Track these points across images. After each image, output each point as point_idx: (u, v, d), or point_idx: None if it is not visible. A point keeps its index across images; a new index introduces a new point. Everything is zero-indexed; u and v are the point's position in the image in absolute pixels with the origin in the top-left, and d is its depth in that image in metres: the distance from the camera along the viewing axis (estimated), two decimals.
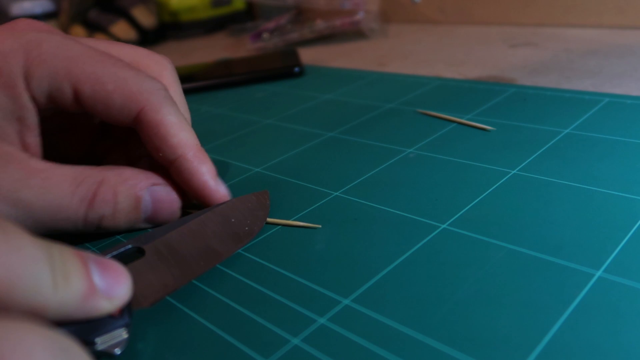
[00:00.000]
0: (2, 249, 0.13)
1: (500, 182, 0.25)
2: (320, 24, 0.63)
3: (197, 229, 0.22)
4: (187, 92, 0.49)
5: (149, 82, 0.24)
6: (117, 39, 0.77)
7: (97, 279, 0.16)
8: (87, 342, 0.16)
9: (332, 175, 0.28)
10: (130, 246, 0.21)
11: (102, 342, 0.16)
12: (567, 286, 0.18)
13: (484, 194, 0.24)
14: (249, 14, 0.90)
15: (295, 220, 0.25)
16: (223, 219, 0.23)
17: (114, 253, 0.20)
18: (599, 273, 0.18)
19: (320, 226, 0.24)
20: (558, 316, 0.17)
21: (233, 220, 0.23)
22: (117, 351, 0.16)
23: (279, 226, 0.24)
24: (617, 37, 0.48)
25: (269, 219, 0.25)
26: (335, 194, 0.26)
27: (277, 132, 0.36)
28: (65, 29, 0.76)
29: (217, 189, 0.24)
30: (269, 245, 0.23)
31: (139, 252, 0.21)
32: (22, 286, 0.13)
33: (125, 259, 0.20)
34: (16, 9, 0.64)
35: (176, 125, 0.24)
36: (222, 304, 0.20)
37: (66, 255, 0.15)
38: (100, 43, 0.26)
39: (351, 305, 0.19)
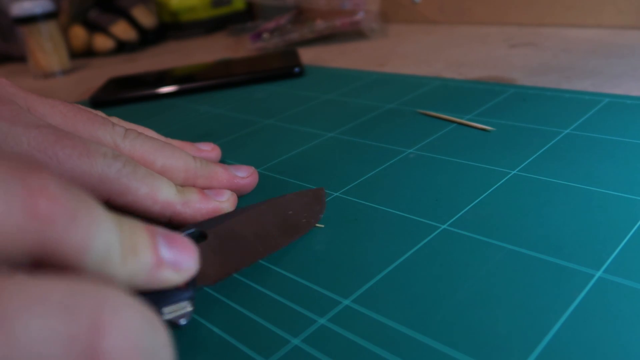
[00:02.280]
0: (83, 217, 0.13)
1: (500, 182, 0.25)
2: (320, 24, 0.63)
3: (256, 218, 0.23)
4: (187, 92, 0.49)
5: (107, 168, 0.22)
6: (117, 39, 0.77)
7: (165, 251, 0.16)
8: (155, 312, 0.16)
9: (332, 175, 0.28)
10: (194, 229, 0.22)
11: (169, 312, 0.17)
12: (567, 286, 0.18)
13: (484, 195, 0.24)
14: (249, 14, 0.90)
15: None
16: (281, 210, 0.24)
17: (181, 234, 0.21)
18: (599, 273, 0.18)
19: (323, 226, 0.24)
20: (558, 316, 0.17)
21: (290, 212, 0.24)
22: (183, 321, 0.17)
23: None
24: (617, 37, 0.48)
25: None
26: (336, 194, 0.26)
27: (277, 133, 0.36)
28: (65, 29, 0.76)
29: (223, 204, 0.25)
30: None
31: (201, 237, 0.21)
32: (94, 256, 0.13)
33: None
34: (16, 9, 0.64)
35: (151, 193, 0.23)
36: (222, 304, 0.20)
37: (136, 229, 0.15)
38: (54, 113, 0.24)
39: (351, 305, 0.19)
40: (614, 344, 0.15)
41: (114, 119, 0.27)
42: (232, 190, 0.26)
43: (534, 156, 0.27)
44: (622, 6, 0.51)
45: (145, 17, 0.79)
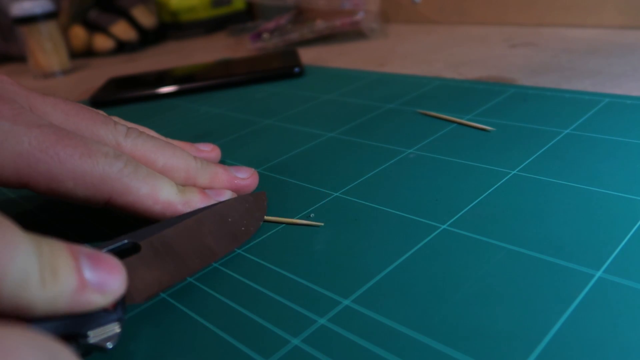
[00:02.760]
0: None
1: (500, 182, 0.25)
2: (320, 24, 0.63)
3: (193, 227, 0.22)
4: (187, 92, 0.49)
5: (109, 168, 0.22)
6: (117, 39, 0.77)
7: (89, 273, 0.15)
8: (79, 335, 0.16)
9: (332, 175, 0.28)
10: (126, 241, 0.21)
11: (95, 335, 0.16)
12: (567, 286, 0.18)
13: (484, 195, 0.24)
14: (249, 14, 0.90)
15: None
16: (220, 218, 0.23)
17: (110, 247, 0.20)
18: (599, 273, 0.18)
19: (322, 224, 0.24)
20: (558, 316, 0.17)
21: (230, 219, 0.23)
22: (109, 345, 0.16)
23: (279, 227, 0.24)
24: (617, 37, 0.48)
25: (271, 218, 0.25)
26: (336, 194, 0.26)
27: (277, 133, 0.36)
28: (65, 29, 0.76)
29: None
30: (269, 246, 0.23)
31: (134, 248, 0.21)
32: (8, 282, 0.13)
33: (120, 254, 0.20)
34: (16, 9, 0.64)
35: (153, 193, 0.23)
36: (222, 304, 0.20)
37: (56, 250, 0.15)
38: (56, 112, 0.24)
39: (351, 305, 0.19)
40: (614, 344, 0.15)
41: (115, 119, 0.27)
42: (232, 191, 0.26)
43: (534, 156, 0.27)
44: (622, 6, 0.51)
45: (145, 17, 0.79)
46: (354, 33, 0.66)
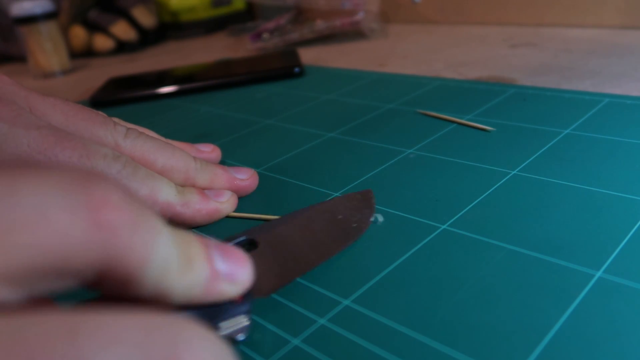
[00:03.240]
0: (145, 228, 0.13)
1: (500, 182, 0.25)
2: (320, 24, 0.63)
3: (306, 224, 0.23)
4: (187, 92, 0.49)
5: (107, 169, 0.22)
6: (117, 39, 0.77)
7: (220, 263, 0.16)
8: (212, 327, 0.16)
9: (332, 175, 0.28)
10: (244, 238, 0.21)
11: (226, 327, 0.16)
12: (567, 286, 0.18)
13: (484, 195, 0.24)
14: (249, 14, 0.90)
15: None
16: (330, 215, 0.23)
17: (230, 244, 0.20)
18: (599, 273, 0.18)
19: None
20: (558, 316, 0.17)
21: (340, 217, 0.23)
22: (241, 337, 0.17)
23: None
24: (617, 37, 0.48)
25: (271, 216, 0.25)
26: (336, 194, 0.26)
27: (277, 133, 0.36)
28: (65, 29, 0.76)
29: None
30: None
31: (252, 244, 0.21)
32: (154, 268, 0.13)
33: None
34: (16, 9, 0.64)
35: (152, 194, 0.23)
36: None
37: (190, 241, 0.15)
38: (55, 113, 0.24)
39: (351, 305, 0.19)
40: (614, 344, 0.15)
41: (115, 119, 0.27)
42: (232, 191, 0.26)
43: (534, 156, 0.27)
44: (622, 6, 0.51)
45: (145, 17, 0.79)
46: (354, 33, 0.66)
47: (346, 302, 0.19)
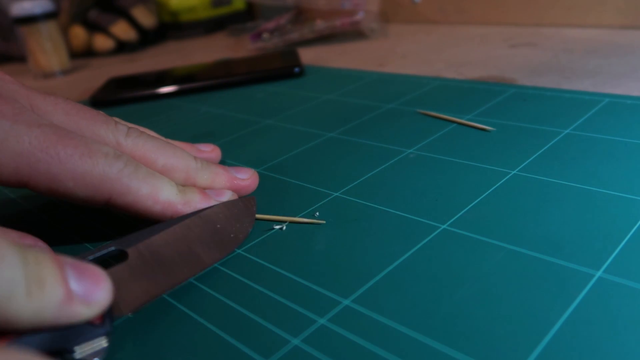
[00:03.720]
0: None
1: (500, 182, 0.25)
2: (320, 24, 0.63)
3: (182, 234, 0.22)
4: (187, 92, 0.49)
5: (108, 168, 0.22)
6: (117, 39, 0.77)
7: (74, 284, 0.15)
8: (66, 351, 0.15)
9: (332, 175, 0.28)
10: (113, 248, 0.20)
11: (81, 350, 0.16)
12: (567, 286, 0.18)
13: (484, 195, 0.24)
14: (249, 14, 0.90)
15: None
16: (209, 224, 0.23)
17: (96, 255, 0.20)
18: (599, 273, 0.18)
19: (324, 222, 0.24)
20: (558, 316, 0.17)
21: (219, 226, 0.23)
22: None
23: (278, 227, 0.24)
24: (617, 37, 0.48)
25: (273, 217, 0.25)
26: (336, 194, 0.26)
27: (277, 133, 0.36)
28: (65, 29, 0.76)
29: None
30: (269, 245, 0.23)
31: (121, 255, 0.20)
32: None
33: (107, 261, 0.20)
34: (16, 9, 0.64)
35: (153, 193, 0.23)
36: (222, 304, 0.20)
37: (42, 261, 0.15)
38: (57, 111, 0.24)
39: (351, 305, 0.19)
40: (614, 344, 0.15)
41: (116, 119, 0.27)
42: (232, 191, 0.26)
43: (534, 156, 0.27)
44: (622, 6, 0.51)
45: (145, 17, 0.79)
46: (354, 33, 0.66)
47: (346, 302, 0.19)
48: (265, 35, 0.65)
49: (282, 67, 0.50)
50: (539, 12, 0.57)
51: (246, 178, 0.27)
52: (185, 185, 0.26)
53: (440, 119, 0.34)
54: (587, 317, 0.16)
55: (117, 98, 0.50)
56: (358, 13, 0.62)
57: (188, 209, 0.24)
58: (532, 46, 0.50)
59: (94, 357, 0.16)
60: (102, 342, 0.16)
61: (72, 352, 0.16)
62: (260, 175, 0.29)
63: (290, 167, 0.30)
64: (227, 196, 0.25)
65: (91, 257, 0.20)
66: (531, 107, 0.34)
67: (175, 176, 0.25)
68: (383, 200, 0.25)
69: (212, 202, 0.25)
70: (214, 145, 0.31)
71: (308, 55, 0.59)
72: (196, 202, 0.24)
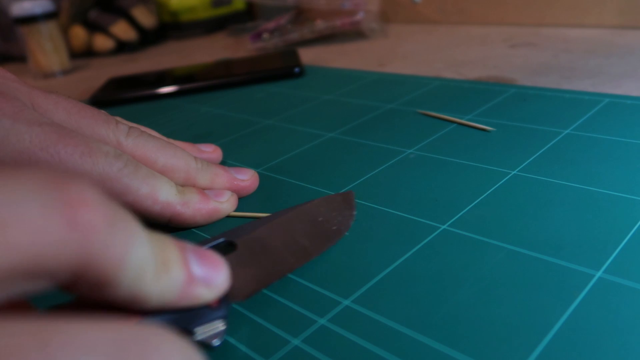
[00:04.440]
0: (121, 229, 0.13)
1: (500, 182, 0.25)
2: (320, 24, 0.63)
3: (286, 226, 0.22)
4: (187, 92, 0.49)
5: (108, 167, 0.22)
6: (117, 39, 0.77)
7: (196, 267, 0.16)
8: (187, 332, 0.16)
9: (332, 175, 0.28)
10: (223, 240, 0.21)
11: (202, 332, 0.16)
12: (567, 286, 0.18)
13: (484, 195, 0.24)
14: (249, 14, 0.90)
15: None
16: (310, 217, 0.23)
17: (209, 245, 0.20)
18: (599, 273, 0.18)
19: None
20: (558, 316, 0.17)
21: (320, 219, 0.23)
22: (216, 342, 0.16)
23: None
24: (617, 37, 0.48)
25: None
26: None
27: (277, 133, 0.36)
28: (65, 29, 0.76)
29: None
30: None
31: (230, 246, 0.21)
32: (130, 271, 0.13)
33: (218, 252, 0.20)
34: (16, 9, 0.64)
35: (152, 193, 0.23)
36: None
37: (167, 244, 0.15)
38: (58, 110, 0.24)
39: (351, 305, 0.19)
40: (614, 344, 0.15)
41: (117, 118, 0.27)
42: (232, 191, 0.26)
43: (534, 156, 0.27)
44: (622, 6, 0.51)
45: (145, 17, 0.79)
46: (354, 33, 0.66)
47: (346, 302, 0.19)
48: (265, 36, 0.65)
49: (282, 67, 0.50)
50: (539, 12, 0.57)
51: (246, 179, 0.27)
52: (185, 185, 0.26)
53: (440, 119, 0.34)
54: (587, 317, 0.16)
55: (117, 98, 0.50)
56: (358, 13, 0.62)
57: (187, 210, 0.24)
58: (532, 46, 0.50)
59: (213, 338, 0.16)
60: (219, 325, 0.17)
61: (194, 333, 0.16)
62: (260, 175, 0.29)
63: (290, 167, 0.30)
64: (226, 197, 0.25)
65: (205, 247, 0.20)
66: (531, 107, 0.34)
67: (176, 176, 0.25)
68: (383, 200, 0.25)
69: (211, 203, 0.25)
70: (215, 145, 0.31)
71: (308, 55, 0.59)
72: (195, 202, 0.24)
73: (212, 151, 0.31)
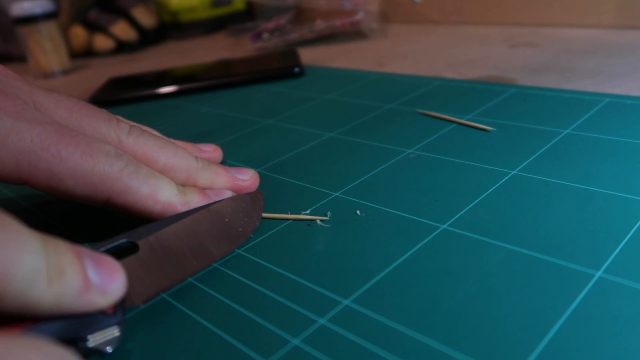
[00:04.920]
0: (6, 243, 0.13)
1: (500, 182, 0.25)
2: (320, 24, 0.63)
3: (191, 227, 0.22)
4: (187, 92, 0.49)
5: (109, 167, 0.22)
6: (117, 39, 0.77)
7: (92, 273, 0.16)
8: (79, 339, 0.16)
9: (332, 175, 0.28)
10: (124, 240, 0.21)
11: (94, 339, 0.16)
12: (567, 286, 0.18)
13: (484, 195, 0.24)
14: (249, 14, 0.90)
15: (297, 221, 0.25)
16: (217, 218, 0.23)
17: (108, 246, 0.20)
18: (599, 273, 0.18)
19: (327, 217, 0.24)
20: (558, 316, 0.17)
21: (227, 220, 0.23)
22: (109, 349, 0.16)
23: (279, 226, 0.24)
24: (617, 37, 0.48)
25: (276, 215, 0.25)
26: (336, 194, 0.26)
27: (277, 133, 0.36)
28: (65, 29, 0.76)
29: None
30: (269, 246, 0.23)
31: (132, 247, 0.21)
32: (19, 280, 0.13)
33: (118, 253, 0.20)
34: (16, 9, 0.64)
35: (153, 193, 0.23)
36: (222, 304, 0.20)
37: (61, 250, 0.15)
38: (59, 108, 0.24)
39: (351, 305, 0.19)
40: (614, 344, 0.15)
41: (118, 117, 0.27)
42: (233, 191, 0.26)
43: (534, 156, 0.27)
44: (622, 6, 0.51)
45: (145, 17, 0.79)
46: (354, 33, 0.66)
47: (346, 302, 0.19)
48: (265, 36, 0.65)
49: (282, 67, 0.50)
50: (538, 12, 0.57)
51: (247, 179, 0.27)
52: (186, 185, 0.26)
53: (440, 119, 0.34)
54: (587, 317, 0.16)
55: (117, 98, 0.50)
56: (358, 13, 0.62)
57: (188, 210, 0.24)
58: (532, 46, 0.50)
59: (106, 345, 0.16)
60: (114, 332, 0.17)
61: (86, 340, 0.16)
62: (260, 175, 0.29)
63: (290, 167, 0.30)
64: (227, 196, 0.25)
65: (103, 249, 0.20)
66: (531, 107, 0.34)
67: (176, 176, 0.25)
68: (383, 200, 0.25)
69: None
70: (215, 145, 0.31)
71: (308, 55, 0.59)
72: (196, 202, 0.24)
73: (212, 151, 0.31)
